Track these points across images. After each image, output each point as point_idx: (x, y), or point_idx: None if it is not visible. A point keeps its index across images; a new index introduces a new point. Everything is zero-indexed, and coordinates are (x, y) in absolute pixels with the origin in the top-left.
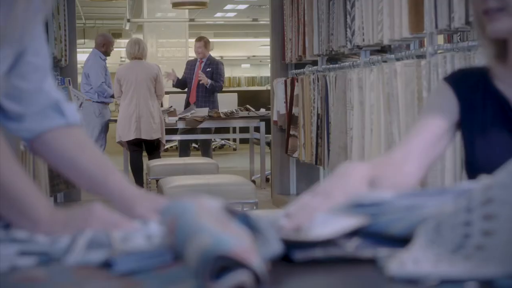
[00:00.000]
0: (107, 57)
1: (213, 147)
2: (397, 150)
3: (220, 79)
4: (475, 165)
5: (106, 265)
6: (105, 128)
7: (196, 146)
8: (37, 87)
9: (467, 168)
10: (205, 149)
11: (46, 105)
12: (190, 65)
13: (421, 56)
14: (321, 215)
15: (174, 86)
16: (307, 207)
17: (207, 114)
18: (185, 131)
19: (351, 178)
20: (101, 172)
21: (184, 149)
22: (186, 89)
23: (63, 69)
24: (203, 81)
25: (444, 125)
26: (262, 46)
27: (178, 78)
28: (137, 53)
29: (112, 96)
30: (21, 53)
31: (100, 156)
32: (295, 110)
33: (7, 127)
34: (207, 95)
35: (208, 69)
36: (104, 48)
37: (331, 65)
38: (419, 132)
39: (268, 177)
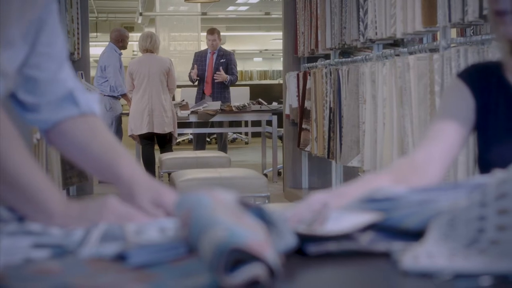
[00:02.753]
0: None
1: None
2: (419, 153)
3: (235, 71)
4: (487, 160)
5: (120, 257)
6: (117, 122)
7: (209, 140)
8: (52, 77)
9: (480, 164)
10: (221, 142)
11: (61, 95)
12: (201, 57)
13: (434, 50)
14: (335, 211)
15: (193, 83)
16: (316, 202)
17: (219, 108)
18: (200, 125)
19: (369, 185)
20: (110, 157)
21: (200, 142)
22: (196, 82)
23: (76, 62)
24: (221, 79)
25: (463, 130)
26: (274, 40)
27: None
28: (149, 46)
29: (124, 94)
30: (33, 44)
31: (111, 141)
32: (307, 104)
33: (24, 118)
34: (222, 89)
35: (222, 60)
36: (122, 43)
37: (343, 59)
38: (438, 135)
39: (280, 170)
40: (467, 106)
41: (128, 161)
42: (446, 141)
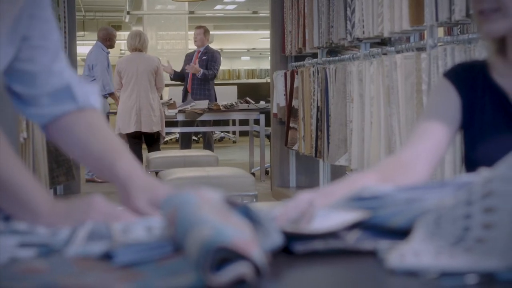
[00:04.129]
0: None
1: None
2: (405, 151)
3: (214, 66)
4: (474, 159)
5: (107, 256)
6: None
7: (196, 138)
8: (46, 69)
9: (466, 163)
10: (207, 141)
11: (58, 87)
12: (189, 57)
13: (421, 49)
14: (322, 209)
15: (172, 79)
16: (303, 201)
17: (207, 107)
18: (186, 124)
19: (356, 184)
20: (108, 156)
21: (185, 141)
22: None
23: None
24: (192, 70)
25: (449, 127)
26: (262, 39)
27: (175, 71)
28: (137, 45)
29: (112, 93)
30: (25, 38)
31: (111, 139)
32: (295, 103)
33: (24, 113)
34: (201, 85)
35: (203, 57)
36: (109, 41)
37: (331, 58)
38: (425, 134)
39: (267, 169)
40: (454, 105)
41: (126, 160)
42: (432, 140)
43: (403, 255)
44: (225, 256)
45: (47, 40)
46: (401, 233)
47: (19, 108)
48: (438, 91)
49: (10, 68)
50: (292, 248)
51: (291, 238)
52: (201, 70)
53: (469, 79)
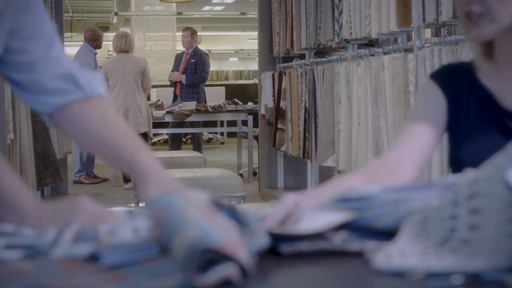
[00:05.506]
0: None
1: None
2: (391, 153)
3: (203, 69)
4: (460, 160)
5: (93, 258)
6: None
7: (184, 140)
8: (42, 55)
9: (452, 164)
10: (196, 143)
11: (60, 74)
12: (178, 58)
13: (408, 50)
14: (309, 210)
15: (171, 84)
16: (289, 202)
17: (194, 108)
18: (176, 125)
19: (342, 186)
20: (128, 147)
21: (175, 142)
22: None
23: None
24: (175, 79)
25: (435, 129)
26: (250, 40)
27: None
28: (124, 46)
29: None
30: (14, 31)
31: (126, 130)
32: (282, 104)
33: (27, 102)
34: (190, 89)
35: (192, 60)
36: (96, 42)
37: (318, 59)
38: (411, 136)
39: (255, 170)
40: (440, 107)
41: (146, 154)
42: (419, 142)
43: (390, 255)
44: (211, 257)
45: (38, 31)
46: (388, 234)
47: (21, 97)
48: (424, 93)
49: (4, 60)
50: (279, 249)
51: (277, 239)
52: (183, 76)
53: (455, 81)
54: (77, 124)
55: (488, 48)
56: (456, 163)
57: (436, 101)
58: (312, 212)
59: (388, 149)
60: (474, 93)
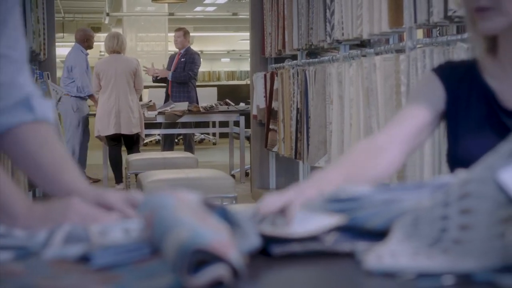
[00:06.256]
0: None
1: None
2: (380, 135)
3: (190, 68)
4: (457, 157)
5: (84, 259)
6: (84, 123)
7: (176, 140)
8: (10, 81)
9: (450, 160)
10: (188, 143)
11: (19, 98)
12: (172, 59)
13: (400, 51)
14: (300, 213)
15: (154, 81)
16: (277, 199)
17: (186, 108)
18: (168, 126)
19: (323, 183)
20: (55, 169)
21: (168, 143)
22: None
23: (42, 63)
24: (162, 75)
25: (430, 116)
26: (242, 40)
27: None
28: (116, 47)
29: (91, 95)
30: None
31: (60, 153)
32: (274, 104)
33: None
34: (180, 88)
35: (182, 59)
36: (87, 42)
37: (310, 60)
38: (404, 119)
39: (247, 171)
40: (438, 96)
41: (72, 176)
42: (411, 126)
43: (381, 256)
44: (202, 258)
45: (14, 50)
46: (379, 235)
47: None
48: (423, 83)
49: None
50: (270, 250)
51: (269, 240)
52: (170, 73)
53: (457, 76)
54: (17, 145)
55: (492, 44)
56: (454, 160)
57: (434, 91)
58: (304, 215)
59: (378, 131)
60: (475, 89)
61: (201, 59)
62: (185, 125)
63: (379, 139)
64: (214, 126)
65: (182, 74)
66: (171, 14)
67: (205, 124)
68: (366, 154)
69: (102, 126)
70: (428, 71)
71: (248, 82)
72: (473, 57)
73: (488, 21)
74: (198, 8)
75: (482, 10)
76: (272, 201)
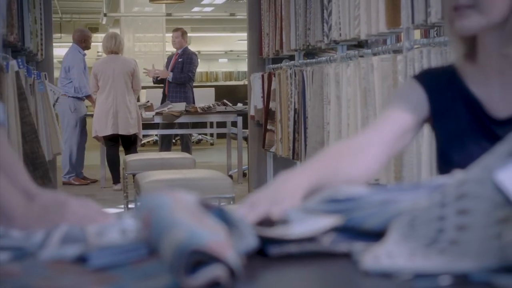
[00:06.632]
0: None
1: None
2: (359, 137)
3: (189, 69)
4: (449, 166)
5: (81, 259)
6: (81, 124)
7: (174, 141)
8: None
9: (440, 168)
10: (185, 144)
11: None
12: (169, 59)
13: (397, 51)
14: (297, 214)
15: (154, 83)
16: (252, 214)
17: (184, 109)
18: (166, 126)
19: (282, 190)
20: (11, 170)
21: (165, 143)
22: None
23: (39, 63)
24: (162, 76)
25: (411, 121)
26: (239, 41)
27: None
28: (113, 47)
29: (89, 95)
30: None
31: (8, 156)
32: (272, 105)
33: None
34: (177, 88)
35: (179, 60)
36: (85, 43)
37: (308, 60)
38: (385, 122)
39: (245, 171)
40: (420, 104)
41: (26, 177)
42: (393, 129)
43: (378, 256)
44: (199, 258)
45: None
46: (376, 235)
47: None
48: (405, 89)
49: None
50: (267, 251)
51: (266, 240)
52: (171, 74)
53: (439, 84)
54: None
55: (471, 48)
56: (444, 168)
57: (417, 97)
58: (301, 216)
59: (358, 133)
60: (460, 98)
61: (199, 60)
62: (182, 125)
63: (357, 140)
64: (211, 126)
65: (182, 75)
66: (168, 14)
67: (202, 125)
68: (342, 155)
69: (100, 126)
70: (409, 78)
71: (246, 83)
72: (452, 63)
73: (466, 19)
74: (196, 9)
75: (460, 8)
76: (246, 215)
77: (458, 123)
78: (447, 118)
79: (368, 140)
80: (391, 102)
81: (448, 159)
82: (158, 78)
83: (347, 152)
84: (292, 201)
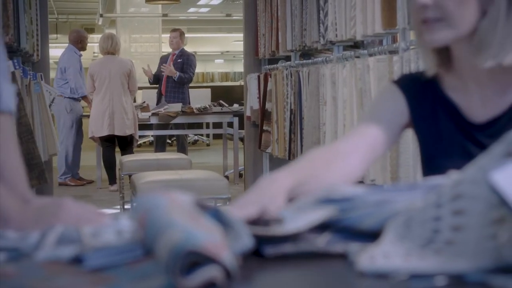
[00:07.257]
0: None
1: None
2: (343, 143)
3: (190, 70)
4: (432, 169)
5: (77, 260)
6: (77, 124)
7: (169, 141)
8: None
9: (424, 171)
10: (181, 144)
11: None
12: (163, 59)
13: (393, 52)
14: (289, 212)
15: (151, 83)
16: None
17: (180, 110)
18: (160, 127)
19: (267, 192)
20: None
21: (160, 144)
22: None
23: (35, 64)
24: (168, 73)
25: (391, 132)
26: (235, 42)
27: (153, 75)
28: (110, 48)
29: (85, 96)
30: None
31: (9, 149)
32: (268, 106)
33: None
34: (176, 88)
35: (179, 60)
36: (81, 44)
37: (304, 61)
38: (368, 128)
39: (241, 172)
40: (399, 110)
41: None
42: (374, 135)
43: (373, 257)
44: (195, 259)
45: None
46: (372, 235)
47: None
48: (385, 95)
49: None
50: (263, 251)
51: (261, 240)
52: (177, 73)
53: (418, 90)
54: None
55: (444, 57)
56: (429, 172)
57: (397, 102)
58: (293, 213)
59: (339, 139)
60: (439, 105)
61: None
62: (178, 126)
63: (340, 145)
64: (207, 127)
65: (186, 76)
66: (164, 15)
67: (198, 125)
68: (323, 159)
69: (96, 127)
70: (389, 83)
71: (242, 83)
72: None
73: (434, 33)
74: (192, 9)
75: (429, 22)
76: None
77: (439, 128)
78: (427, 123)
79: (351, 147)
80: (374, 107)
81: (432, 162)
82: (163, 74)
83: (327, 157)
84: (276, 204)
